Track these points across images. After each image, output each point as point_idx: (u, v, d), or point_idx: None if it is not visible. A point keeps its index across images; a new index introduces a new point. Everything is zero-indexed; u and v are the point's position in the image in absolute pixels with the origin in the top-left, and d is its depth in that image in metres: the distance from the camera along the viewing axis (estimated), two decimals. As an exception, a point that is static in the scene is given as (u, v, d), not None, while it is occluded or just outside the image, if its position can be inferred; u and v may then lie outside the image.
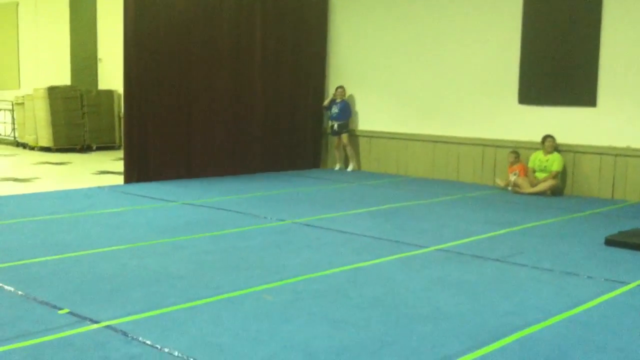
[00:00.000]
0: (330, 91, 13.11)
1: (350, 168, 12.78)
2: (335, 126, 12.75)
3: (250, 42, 11.89)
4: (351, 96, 12.84)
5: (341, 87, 12.78)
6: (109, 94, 15.84)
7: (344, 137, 12.73)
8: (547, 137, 10.30)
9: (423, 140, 11.95)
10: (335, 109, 12.71)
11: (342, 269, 5.73)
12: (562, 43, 10.36)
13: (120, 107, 15.28)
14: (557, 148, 10.27)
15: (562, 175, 10.28)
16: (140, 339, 4.00)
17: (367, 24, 12.60)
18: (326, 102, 12.93)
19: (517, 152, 10.65)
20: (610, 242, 6.81)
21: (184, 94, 11.03)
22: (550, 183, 10.12)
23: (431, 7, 11.74)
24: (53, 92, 14.94)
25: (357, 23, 12.75)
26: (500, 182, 10.74)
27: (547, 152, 10.28)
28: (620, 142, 9.90)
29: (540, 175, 10.30)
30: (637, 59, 9.71)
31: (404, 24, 12.08)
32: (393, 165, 12.43)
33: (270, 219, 7.85)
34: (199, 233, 6.98)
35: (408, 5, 12.02)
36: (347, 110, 12.71)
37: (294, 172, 12.38)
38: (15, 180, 10.67)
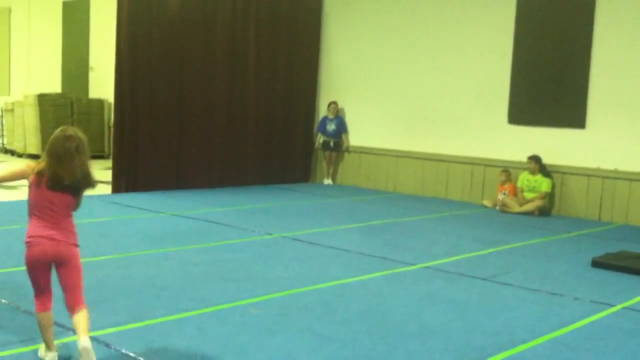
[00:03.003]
0: (322, 105, 13.13)
1: (330, 182, 12.88)
2: (332, 143, 12.79)
3: (243, 55, 11.88)
4: (342, 110, 12.86)
5: (334, 102, 12.79)
6: (100, 102, 15.79)
7: (335, 154, 12.83)
8: (529, 159, 10.32)
9: (413, 157, 11.98)
10: (332, 126, 12.74)
11: (329, 284, 5.71)
12: (553, 64, 10.45)
13: (110, 116, 15.20)
14: (543, 169, 10.26)
15: (550, 195, 10.33)
16: (123, 350, 3.96)
17: (359, 40, 12.63)
18: (319, 141, 12.97)
19: (508, 172, 10.68)
20: (596, 263, 6.83)
21: (175, 104, 11.00)
22: (538, 203, 10.16)
23: (423, 26, 11.79)
24: (43, 100, 14.86)
25: (350, 40, 12.78)
26: (487, 203, 10.77)
27: (533, 173, 10.33)
28: (608, 164, 9.96)
29: (529, 195, 10.33)
30: (627, 82, 9.80)
31: (396, 41, 12.13)
32: (382, 181, 12.44)
33: (259, 232, 7.82)
34: (186, 244, 6.95)
35: (400, 24, 12.07)
36: (342, 126, 12.77)
37: (283, 186, 12.36)
38: (1, 187, 10.58)
